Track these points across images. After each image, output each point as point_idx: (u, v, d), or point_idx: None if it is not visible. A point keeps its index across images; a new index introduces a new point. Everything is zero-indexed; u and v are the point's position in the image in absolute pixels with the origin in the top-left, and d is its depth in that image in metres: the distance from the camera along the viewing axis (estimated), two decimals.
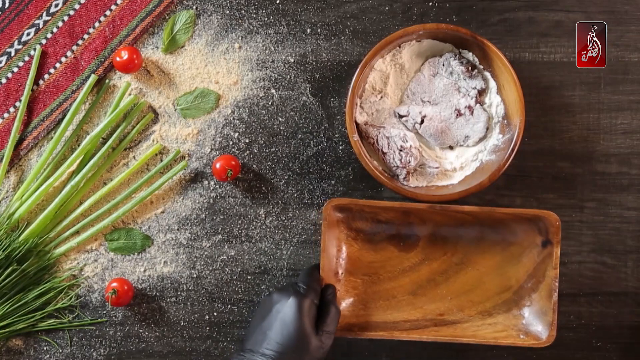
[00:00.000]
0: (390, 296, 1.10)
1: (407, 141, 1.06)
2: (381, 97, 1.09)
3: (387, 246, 1.10)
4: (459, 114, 1.08)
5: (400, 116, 1.09)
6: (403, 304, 1.09)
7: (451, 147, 1.10)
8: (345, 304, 1.08)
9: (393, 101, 1.10)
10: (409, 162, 1.06)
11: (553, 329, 1.04)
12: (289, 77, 1.11)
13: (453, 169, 1.09)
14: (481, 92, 1.08)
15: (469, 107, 1.08)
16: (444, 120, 1.08)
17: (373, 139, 1.08)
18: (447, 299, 1.09)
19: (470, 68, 1.07)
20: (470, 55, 1.08)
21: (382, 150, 1.07)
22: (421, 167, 1.09)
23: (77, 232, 1.10)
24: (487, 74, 1.08)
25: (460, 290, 1.10)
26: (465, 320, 1.09)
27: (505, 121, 1.06)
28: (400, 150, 1.06)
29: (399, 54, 1.09)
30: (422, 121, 1.08)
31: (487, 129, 1.08)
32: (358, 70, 1.04)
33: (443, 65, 1.08)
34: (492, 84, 1.08)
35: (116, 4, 1.10)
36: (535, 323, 1.06)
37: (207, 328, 1.11)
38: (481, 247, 1.09)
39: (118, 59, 1.08)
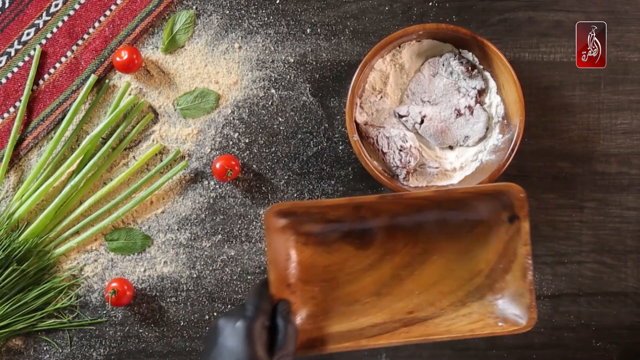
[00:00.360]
0: (353, 300, 1.00)
1: (407, 141, 1.06)
2: (381, 97, 1.09)
3: (342, 246, 1.00)
4: (458, 114, 1.08)
5: (400, 116, 1.09)
6: (368, 307, 1.00)
7: (451, 147, 1.10)
8: (303, 317, 0.99)
9: (393, 101, 1.10)
10: (409, 162, 1.06)
11: (532, 311, 0.96)
12: (289, 77, 1.11)
13: (453, 169, 1.09)
14: (481, 92, 1.08)
15: (469, 107, 1.08)
16: (443, 120, 1.08)
17: (373, 139, 1.08)
18: (414, 294, 1.01)
19: (470, 68, 1.07)
20: (470, 55, 1.08)
21: (382, 150, 1.07)
22: (421, 167, 1.09)
23: (77, 232, 1.10)
24: (487, 74, 1.08)
25: (428, 282, 1.01)
26: (437, 314, 1.00)
27: (505, 121, 1.06)
28: (400, 150, 1.06)
29: (398, 54, 1.09)
30: (422, 121, 1.08)
31: (487, 129, 1.08)
32: (358, 70, 1.04)
33: (443, 65, 1.08)
34: (492, 84, 1.08)
35: (116, 4, 1.10)
36: (512, 307, 0.98)
37: (207, 328, 1.11)
38: (444, 232, 1.01)
39: (118, 59, 1.08)
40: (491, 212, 0.99)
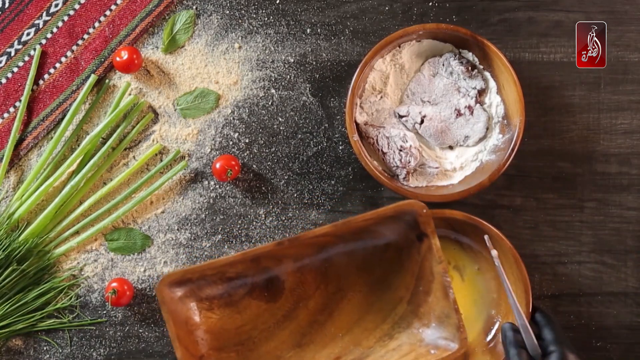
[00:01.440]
0: (275, 358, 0.94)
1: (407, 141, 1.06)
2: (381, 97, 1.09)
3: (250, 302, 0.94)
4: (458, 114, 1.08)
5: (400, 116, 1.09)
6: None
7: (451, 147, 1.10)
8: None
9: (393, 101, 1.10)
10: (409, 162, 1.06)
11: (462, 331, 0.91)
12: (289, 77, 1.11)
13: (453, 169, 1.09)
14: (481, 92, 1.08)
15: (469, 107, 1.08)
16: (443, 120, 1.08)
17: (373, 139, 1.08)
18: (338, 337, 0.95)
19: (470, 68, 1.07)
20: (470, 55, 1.08)
21: (382, 150, 1.07)
22: (421, 167, 1.09)
23: (77, 232, 1.10)
24: (487, 74, 1.08)
25: (350, 321, 0.95)
26: (365, 354, 0.93)
27: (505, 121, 1.07)
28: (400, 150, 1.06)
29: (399, 54, 1.09)
30: (422, 121, 1.08)
31: (487, 129, 1.08)
32: (358, 70, 1.04)
33: (443, 65, 1.08)
34: (492, 84, 1.08)
35: (116, 4, 1.10)
36: (440, 331, 0.93)
37: None
38: (354, 265, 0.96)
39: (118, 59, 1.08)
40: (398, 234, 0.94)
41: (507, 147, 1.04)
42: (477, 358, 1.03)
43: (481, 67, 1.08)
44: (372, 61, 1.06)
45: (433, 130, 1.08)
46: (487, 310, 1.06)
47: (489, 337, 1.05)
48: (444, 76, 1.09)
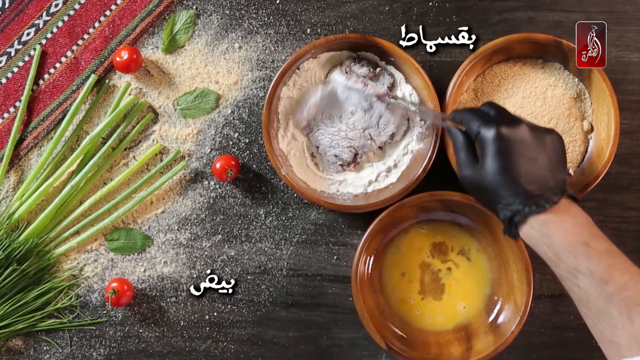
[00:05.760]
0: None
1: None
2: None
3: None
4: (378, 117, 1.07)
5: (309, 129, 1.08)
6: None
7: (380, 148, 1.09)
8: None
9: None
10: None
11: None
12: None
13: (388, 168, 1.08)
14: (391, 87, 1.07)
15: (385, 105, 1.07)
16: (364, 129, 1.07)
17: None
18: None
19: (372, 68, 1.06)
20: (369, 55, 1.07)
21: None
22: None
23: (77, 232, 1.10)
24: (391, 68, 1.07)
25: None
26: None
27: (423, 107, 1.06)
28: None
29: (298, 77, 1.07)
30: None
31: (408, 119, 1.08)
32: (265, 106, 1.04)
33: (346, 73, 1.07)
34: (399, 75, 1.07)
35: (116, 4, 1.10)
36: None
37: (207, 328, 1.11)
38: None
39: (118, 59, 1.08)
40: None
41: (431, 132, 1.04)
42: (479, 338, 1.05)
43: (383, 62, 1.07)
44: (277, 92, 1.05)
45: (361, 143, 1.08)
46: (488, 290, 1.08)
47: (491, 318, 1.07)
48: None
